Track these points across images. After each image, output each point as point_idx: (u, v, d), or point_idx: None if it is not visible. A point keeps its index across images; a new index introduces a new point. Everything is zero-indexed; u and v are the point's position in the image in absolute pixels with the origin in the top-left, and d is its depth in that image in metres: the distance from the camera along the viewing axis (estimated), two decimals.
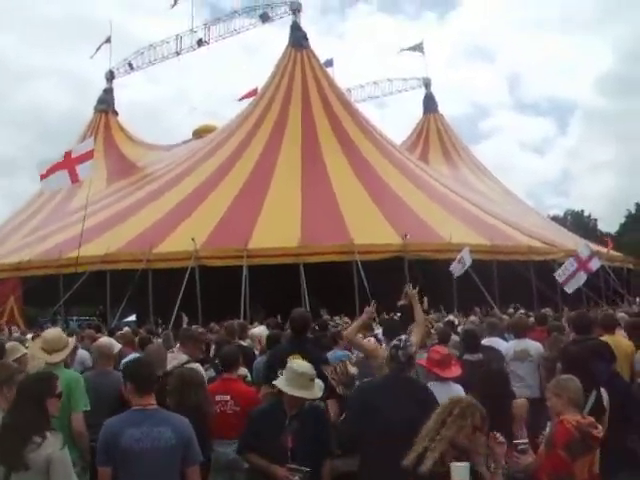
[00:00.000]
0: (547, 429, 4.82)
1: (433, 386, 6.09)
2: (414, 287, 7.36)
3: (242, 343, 9.38)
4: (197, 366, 6.76)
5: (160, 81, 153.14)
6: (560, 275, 19.55)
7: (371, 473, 4.86)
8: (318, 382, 5.29)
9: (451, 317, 13.52)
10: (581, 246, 21.31)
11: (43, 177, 16.39)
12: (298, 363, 5.31)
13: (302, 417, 5.10)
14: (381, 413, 4.90)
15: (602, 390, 5.68)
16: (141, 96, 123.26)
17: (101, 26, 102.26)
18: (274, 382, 5.26)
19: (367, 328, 9.54)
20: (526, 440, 4.83)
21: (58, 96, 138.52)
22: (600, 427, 4.56)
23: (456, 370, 6.10)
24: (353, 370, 7.12)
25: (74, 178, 16.30)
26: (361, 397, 5.27)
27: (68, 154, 16.27)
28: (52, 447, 4.20)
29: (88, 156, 16.53)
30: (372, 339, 8.33)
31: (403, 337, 5.39)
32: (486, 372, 5.86)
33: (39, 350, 6.18)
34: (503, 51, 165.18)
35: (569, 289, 19.46)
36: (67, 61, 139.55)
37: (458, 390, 5.99)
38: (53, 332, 6.51)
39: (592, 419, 4.61)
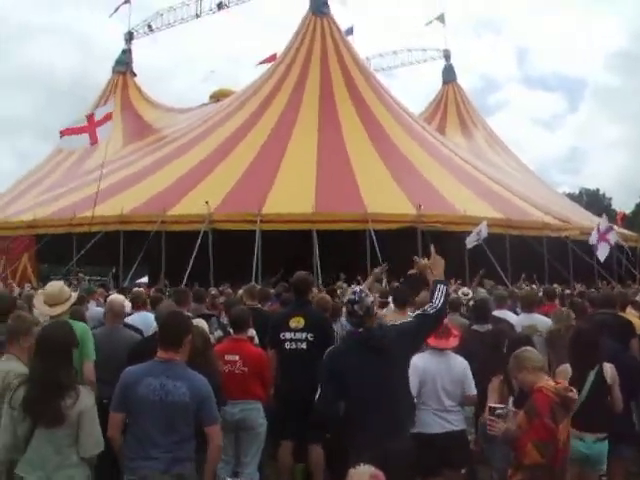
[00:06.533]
0: (510, 404, 4.85)
1: (425, 355, 5.93)
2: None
3: (259, 306, 9.09)
4: (199, 321, 6.77)
5: (179, 44, 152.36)
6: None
7: (370, 434, 4.51)
8: None
9: (465, 289, 13.45)
10: (601, 220, 21.59)
11: (63, 135, 16.77)
12: None
13: None
14: (360, 374, 4.61)
15: (608, 365, 5.67)
16: (159, 59, 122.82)
17: None
18: None
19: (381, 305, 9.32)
20: (504, 405, 4.85)
21: (69, 56, 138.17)
22: (574, 390, 4.65)
23: (453, 342, 5.97)
24: None
25: (93, 139, 17.01)
26: (333, 365, 4.84)
27: (92, 117, 16.68)
28: (85, 402, 4.26)
29: (107, 118, 17.14)
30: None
31: (357, 289, 5.04)
32: (515, 340, 5.83)
33: (41, 303, 6.25)
34: (511, 24, 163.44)
35: (601, 257, 20.40)
36: (85, 22, 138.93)
37: (456, 361, 5.94)
38: (55, 285, 6.50)
39: (566, 383, 4.71)
